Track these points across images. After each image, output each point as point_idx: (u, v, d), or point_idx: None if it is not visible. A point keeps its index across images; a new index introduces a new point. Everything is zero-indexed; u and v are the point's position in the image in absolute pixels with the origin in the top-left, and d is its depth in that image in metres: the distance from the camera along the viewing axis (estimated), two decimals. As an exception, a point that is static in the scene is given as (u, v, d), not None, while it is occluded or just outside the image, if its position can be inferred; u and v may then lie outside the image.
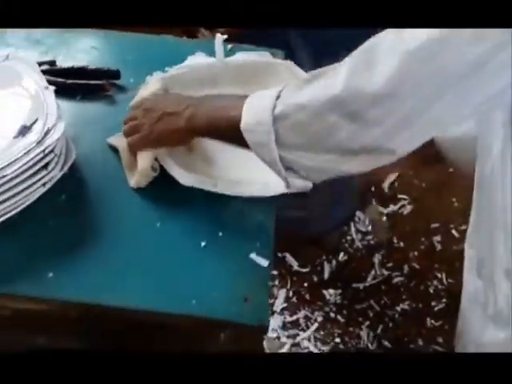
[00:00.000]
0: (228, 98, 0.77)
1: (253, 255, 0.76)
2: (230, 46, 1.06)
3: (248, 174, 0.84)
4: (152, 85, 0.91)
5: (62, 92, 0.91)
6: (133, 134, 0.83)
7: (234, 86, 0.96)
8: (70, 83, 0.96)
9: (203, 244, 0.78)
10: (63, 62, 1.02)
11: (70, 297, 0.72)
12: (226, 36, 0.99)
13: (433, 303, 1.74)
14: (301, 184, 0.70)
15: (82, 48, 1.07)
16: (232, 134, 0.71)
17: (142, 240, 0.79)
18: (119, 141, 0.87)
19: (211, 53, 1.02)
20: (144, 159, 0.82)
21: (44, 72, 0.88)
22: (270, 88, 0.69)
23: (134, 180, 0.83)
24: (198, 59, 1.01)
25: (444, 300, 1.75)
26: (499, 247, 0.69)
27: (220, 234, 0.79)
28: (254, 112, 0.67)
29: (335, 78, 0.61)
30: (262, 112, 0.66)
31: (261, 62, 1.01)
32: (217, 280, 0.75)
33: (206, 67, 0.99)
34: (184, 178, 0.82)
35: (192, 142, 0.86)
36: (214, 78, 0.98)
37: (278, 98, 0.66)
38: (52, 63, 1.01)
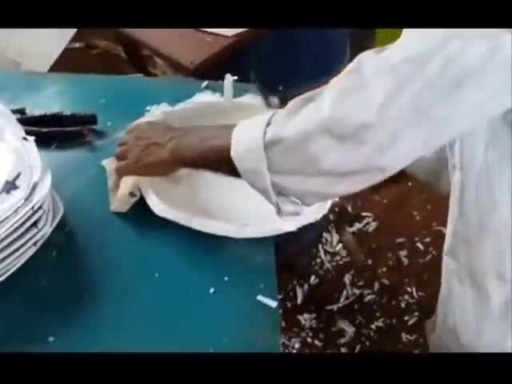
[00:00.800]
0: (214, 128, 0.76)
1: (260, 297, 0.75)
2: (204, 84, 1.05)
3: (227, 213, 0.85)
4: (153, 115, 0.93)
5: (36, 141, 0.87)
6: (122, 159, 0.85)
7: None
8: (46, 131, 0.93)
9: (211, 290, 0.77)
10: (33, 110, 0.99)
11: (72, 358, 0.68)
12: (235, 77, 0.99)
13: (406, 318, 1.77)
14: (291, 209, 0.70)
15: (51, 93, 1.04)
16: (220, 163, 0.71)
17: (142, 292, 0.76)
18: (111, 163, 0.89)
19: (180, 91, 1.02)
20: (125, 185, 0.83)
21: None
22: None
23: (114, 205, 0.85)
24: (205, 97, 1.01)
25: (416, 313, 1.78)
26: (487, 253, 0.72)
27: (225, 278, 0.78)
28: (245, 139, 0.68)
29: (323, 103, 0.61)
30: (253, 139, 0.66)
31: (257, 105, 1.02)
32: (226, 325, 0.73)
33: (208, 105, 1.00)
34: (158, 208, 0.82)
35: (177, 174, 0.85)
36: (214, 115, 0.96)
37: (268, 124, 0.66)
38: (22, 111, 0.97)
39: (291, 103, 0.66)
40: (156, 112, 0.96)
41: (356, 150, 0.60)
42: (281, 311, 1.72)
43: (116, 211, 0.84)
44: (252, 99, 1.02)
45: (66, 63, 1.53)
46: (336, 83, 0.62)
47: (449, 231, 0.78)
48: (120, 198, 0.84)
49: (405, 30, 0.60)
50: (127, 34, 1.36)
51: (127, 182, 0.84)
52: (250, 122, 0.69)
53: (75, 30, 1.37)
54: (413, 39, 0.59)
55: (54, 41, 1.37)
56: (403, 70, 0.57)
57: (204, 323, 0.73)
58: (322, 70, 1.61)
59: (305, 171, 0.64)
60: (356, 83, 0.59)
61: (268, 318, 0.74)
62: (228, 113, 0.99)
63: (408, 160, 0.62)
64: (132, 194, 0.84)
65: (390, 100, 0.57)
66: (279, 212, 0.70)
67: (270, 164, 0.65)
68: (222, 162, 0.71)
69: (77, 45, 2.25)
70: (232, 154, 0.68)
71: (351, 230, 1.99)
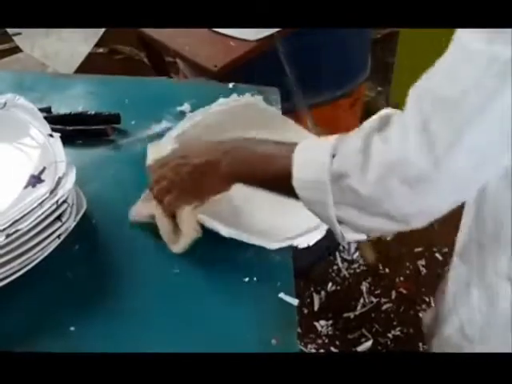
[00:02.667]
0: (270, 144, 0.73)
1: (281, 295, 0.76)
2: (231, 85, 1.06)
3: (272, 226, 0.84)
4: (166, 145, 0.89)
5: (61, 139, 0.89)
6: (166, 196, 0.79)
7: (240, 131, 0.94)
8: (71, 130, 0.95)
9: (223, 287, 0.77)
10: (58, 109, 1.01)
11: (93, 350, 0.69)
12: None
13: (425, 341, 1.75)
14: (354, 237, 0.68)
15: (77, 93, 1.06)
16: (279, 185, 0.70)
17: (162, 286, 0.77)
18: (147, 208, 0.83)
19: (202, 93, 1.03)
20: (188, 220, 0.78)
21: (42, 119, 0.86)
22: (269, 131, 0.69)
23: (179, 245, 0.79)
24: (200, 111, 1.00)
25: (433, 324, 1.76)
26: (501, 260, 0.71)
27: (243, 277, 0.78)
28: (308, 169, 0.65)
29: (391, 140, 0.59)
30: (317, 170, 0.64)
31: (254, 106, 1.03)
32: (244, 323, 0.73)
33: (211, 115, 0.99)
34: (224, 230, 0.80)
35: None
36: (220, 123, 0.97)
37: (333, 155, 0.64)
38: (48, 110, 0.99)
39: (358, 132, 0.64)
40: (164, 141, 0.93)
41: (420, 195, 0.59)
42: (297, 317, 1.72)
43: (182, 251, 0.79)
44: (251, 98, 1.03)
45: (89, 68, 1.56)
46: (401, 119, 0.60)
47: (462, 234, 0.78)
48: (189, 235, 0.78)
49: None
50: (151, 38, 1.38)
51: (188, 217, 0.78)
52: (313, 148, 0.67)
53: (100, 34, 1.39)
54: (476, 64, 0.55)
55: (78, 45, 1.39)
56: (468, 104, 0.54)
57: (221, 321, 0.73)
58: (342, 77, 1.63)
59: (367, 209, 0.63)
60: (418, 123, 0.57)
61: (285, 317, 0.74)
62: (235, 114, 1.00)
63: (463, 199, 0.63)
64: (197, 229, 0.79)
65: (455, 144, 0.55)
66: (343, 239, 0.69)
67: (334, 197, 0.64)
68: (281, 185, 0.69)
69: (100, 50, 2.29)
70: (294, 182, 0.66)
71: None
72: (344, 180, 0.62)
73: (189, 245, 0.79)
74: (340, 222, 0.66)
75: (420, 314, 1.78)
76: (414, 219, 0.61)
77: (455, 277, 0.80)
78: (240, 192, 0.79)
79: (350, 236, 0.67)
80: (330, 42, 1.47)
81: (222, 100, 1.01)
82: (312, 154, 0.66)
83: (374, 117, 0.65)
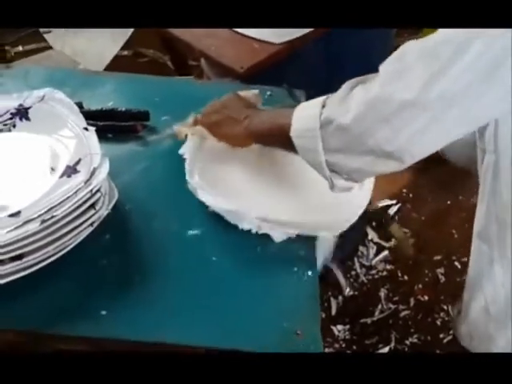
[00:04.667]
0: (281, 110, 0.86)
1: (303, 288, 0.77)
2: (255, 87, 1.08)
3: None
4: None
5: (94, 133, 0.91)
6: (208, 116, 0.95)
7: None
8: (101, 125, 0.97)
9: (249, 281, 0.79)
10: (89, 104, 1.03)
11: (124, 335, 0.71)
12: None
13: (441, 335, 1.75)
14: (344, 185, 0.75)
15: (107, 90, 1.08)
16: (282, 139, 0.78)
17: (190, 276, 0.79)
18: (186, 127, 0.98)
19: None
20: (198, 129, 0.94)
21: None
22: None
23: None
24: None
25: (451, 332, 1.75)
26: None
27: (265, 270, 0.80)
28: (303, 119, 0.74)
29: (371, 85, 0.67)
30: (310, 119, 0.73)
31: None
32: (268, 316, 0.75)
33: None
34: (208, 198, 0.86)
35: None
36: None
37: (323, 106, 0.72)
38: (80, 105, 1.02)
39: (344, 85, 0.72)
40: None
41: (399, 130, 0.65)
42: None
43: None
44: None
45: (114, 70, 1.58)
46: (383, 68, 0.67)
47: (480, 213, 0.81)
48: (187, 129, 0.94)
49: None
50: (177, 39, 1.40)
51: (199, 129, 0.94)
52: (309, 104, 0.75)
53: (128, 36, 1.41)
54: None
55: (106, 46, 1.42)
56: (444, 52, 0.61)
57: (246, 313, 0.75)
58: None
59: (354, 149, 0.70)
60: (400, 66, 0.65)
61: (309, 310, 0.76)
62: None
63: (444, 142, 0.67)
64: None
65: (431, 82, 0.62)
66: (332, 187, 0.75)
67: (324, 142, 0.71)
68: (283, 139, 0.77)
69: (125, 52, 2.32)
70: (291, 132, 0.75)
71: (387, 245, 1.99)
72: (330, 124, 0.70)
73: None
74: (332, 170, 0.73)
75: (438, 322, 1.78)
76: (396, 156, 0.67)
77: (476, 257, 0.83)
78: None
79: (341, 183, 0.74)
80: (354, 46, 1.48)
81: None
82: (307, 107, 0.75)
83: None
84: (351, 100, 0.69)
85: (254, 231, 0.82)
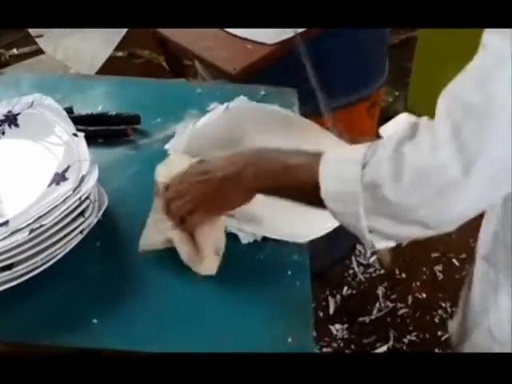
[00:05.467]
0: (294, 154, 0.72)
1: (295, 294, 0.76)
2: (249, 87, 1.07)
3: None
4: (179, 159, 0.85)
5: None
6: (188, 215, 0.77)
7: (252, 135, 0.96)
8: (92, 130, 0.96)
9: (242, 287, 0.78)
10: (80, 109, 1.03)
11: (116, 344, 0.70)
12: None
13: (439, 333, 1.75)
14: (384, 245, 0.67)
15: (98, 94, 1.08)
16: (305, 197, 0.70)
17: (180, 283, 0.78)
18: (160, 233, 0.80)
19: (220, 95, 1.04)
20: (210, 242, 0.77)
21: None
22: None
23: (206, 266, 0.78)
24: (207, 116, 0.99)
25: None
26: None
27: (258, 275, 0.79)
28: (337, 180, 0.65)
29: (424, 146, 0.60)
30: (348, 181, 0.64)
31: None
32: (260, 322, 0.74)
33: (217, 121, 0.98)
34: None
35: None
36: (230, 129, 0.96)
37: (364, 166, 0.63)
38: (70, 110, 1.01)
39: (387, 141, 0.64)
40: (175, 156, 0.90)
41: (453, 204, 0.60)
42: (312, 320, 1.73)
43: (210, 273, 0.78)
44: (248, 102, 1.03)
45: (109, 71, 1.58)
46: (433, 127, 0.60)
47: (486, 235, 0.78)
48: (210, 260, 0.77)
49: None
50: (170, 41, 1.40)
51: (209, 238, 0.77)
52: (342, 160, 0.66)
53: (121, 36, 1.41)
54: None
55: (100, 47, 1.42)
56: (495, 113, 0.56)
57: (238, 320, 0.74)
58: (360, 82, 1.64)
59: (400, 218, 0.63)
60: (449, 132, 0.58)
61: (301, 316, 0.75)
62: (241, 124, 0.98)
63: (493, 203, 0.65)
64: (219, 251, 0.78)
65: (484, 152, 0.56)
66: (373, 248, 0.69)
67: (366, 207, 0.63)
68: (307, 196, 0.69)
69: (119, 53, 2.31)
70: (323, 194, 0.66)
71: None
72: (377, 190, 0.62)
73: (217, 265, 0.77)
74: (370, 231, 0.65)
75: (436, 320, 1.78)
76: (447, 225, 0.62)
77: (482, 280, 0.80)
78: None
79: (380, 244, 0.67)
80: (348, 46, 1.48)
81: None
82: (341, 164, 0.66)
83: (402, 126, 0.64)
84: (401, 165, 0.60)
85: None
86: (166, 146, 0.94)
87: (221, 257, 0.78)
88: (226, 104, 0.99)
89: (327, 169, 0.66)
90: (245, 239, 0.83)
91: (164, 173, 0.83)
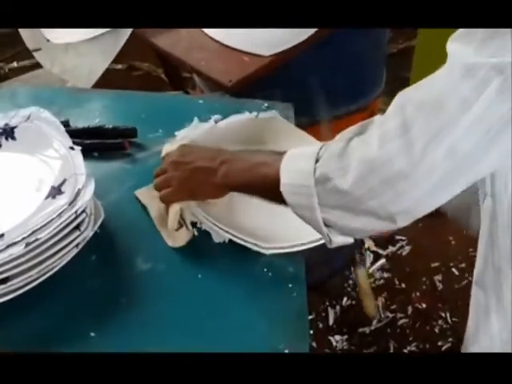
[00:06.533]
0: (262, 154, 0.78)
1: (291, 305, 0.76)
2: (246, 101, 1.08)
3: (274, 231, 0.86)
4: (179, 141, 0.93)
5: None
6: (164, 187, 0.84)
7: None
8: (88, 143, 0.97)
9: (238, 299, 0.78)
10: (76, 122, 1.03)
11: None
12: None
13: (439, 343, 1.74)
14: (341, 240, 0.70)
15: (94, 107, 1.08)
16: (268, 192, 0.73)
17: (176, 296, 0.79)
18: (146, 196, 0.88)
19: (217, 108, 1.06)
20: (174, 216, 0.83)
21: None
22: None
23: (170, 241, 0.84)
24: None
25: (450, 339, 1.75)
26: None
27: (254, 288, 0.80)
28: (293, 174, 0.69)
29: (371, 142, 0.62)
30: (302, 174, 0.67)
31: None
32: (255, 334, 0.75)
33: (226, 125, 1.01)
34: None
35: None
36: (233, 135, 0.99)
37: (317, 160, 0.67)
38: (66, 124, 1.02)
39: (340, 136, 0.67)
40: (180, 136, 0.98)
41: (403, 193, 0.61)
42: (312, 331, 1.72)
43: (176, 246, 0.84)
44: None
45: (107, 84, 1.58)
46: (382, 123, 0.62)
47: (479, 260, 0.78)
48: (172, 232, 0.84)
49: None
50: (167, 53, 1.40)
51: (175, 212, 0.83)
52: (299, 155, 0.70)
53: (118, 49, 1.41)
54: (454, 72, 0.58)
55: (96, 60, 1.42)
56: (447, 108, 0.57)
57: (233, 331, 0.75)
58: (357, 92, 1.64)
59: (352, 209, 0.65)
60: (399, 122, 0.60)
61: (297, 328, 0.75)
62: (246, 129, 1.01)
63: (449, 198, 0.63)
64: (182, 223, 0.84)
65: (434, 143, 0.58)
66: (330, 243, 0.70)
67: (320, 199, 0.66)
68: (270, 191, 0.72)
69: (119, 66, 2.33)
70: (281, 187, 0.70)
71: (384, 252, 1.98)
72: (327, 183, 0.65)
73: (182, 242, 0.83)
74: (327, 225, 0.68)
75: (436, 330, 1.77)
76: (399, 217, 0.63)
77: (475, 304, 0.80)
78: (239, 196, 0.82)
79: (338, 239, 0.69)
80: (345, 56, 1.48)
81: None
82: (298, 160, 0.70)
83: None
84: (349, 159, 0.63)
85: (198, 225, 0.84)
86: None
87: (184, 235, 0.84)
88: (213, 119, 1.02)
89: (286, 164, 0.70)
90: (217, 238, 0.84)
91: (168, 148, 0.91)
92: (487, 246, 0.75)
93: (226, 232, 0.83)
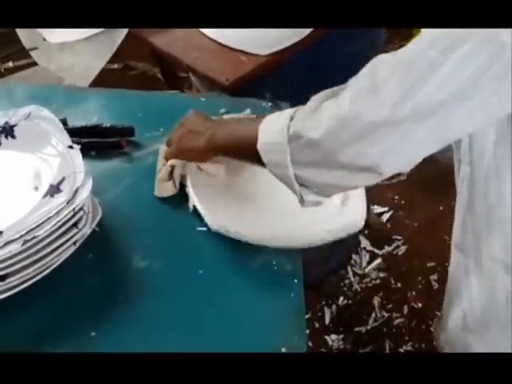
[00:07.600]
0: (245, 119, 0.87)
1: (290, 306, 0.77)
2: (243, 99, 1.08)
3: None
4: None
5: (78, 150, 0.91)
6: (169, 145, 0.93)
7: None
8: (86, 142, 0.96)
9: (235, 297, 0.79)
10: (74, 121, 1.03)
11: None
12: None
13: (435, 342, 1.74)
14: (313, 199, 0.73)
15: (92, 106, 1.08)
16: (248, 153, 0.76)
17: (173, 293, 0.79)
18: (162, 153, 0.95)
19: (214, 106, 1.06)
20: (165, 171, 0.90)
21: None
22: None
23: (156, 190, 0.91)
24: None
25: (445, 339, 1.75)
26: (495, 245, 0.74)
27: (251, 285, 0.80)
28: (270, 133, 0.72)
29: (342, 100, 0.65)
30: (277, 133, 0.70)
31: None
32: (252, 332, 0.75)
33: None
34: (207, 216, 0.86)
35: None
36: None
37: (291, 119, 0.70)
38: (64, 122, 1.01)
39: (313, 98, 0.70)
40: None
41: (371, 146, 0.64)
42: (308, 331, 1.72)
43: (157, 195, 0.90)
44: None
45: (103, 83, 1.58)
46: (354, 83, 0.66)
47: (457, 224, 0.81)
48: (160, 183, 0.90)
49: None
50: (164, 53, 1.40)
51: (167, 166, 0.90)
52: (276, 116, 0.74)
53: (114, 49, 1.41)
54: (425, 40, 0.62)
55: (92, 60, 1.42)
56: (417, 68, 0.60)
57: (231, 330, 0.75)
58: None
59: (325, 164, 0.68)
60: (371, 82, 0.63)
61: (295, 326, 0.75)
62: None
63: (419, 157, 0.66)
64: (169, 178, 0.90)
65: (405, 98, 0.60)
66: (302, 201, 0.73)
67: (293, 157, 0.69)
68: (249, 152, 0.75)
69: (115, 66, 2.33)
70: (258, 146, 0.73)
71: (380, 252, 1.99)
72: (300, 139, 0.68)
73: (164, 193, 0.90)
74: (301, 184, 0.71)
75: (432, 329, 1.77)
76: (370, 172, 0.66)
77: (454, 267, 0.82)
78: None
79: (310, 197, 0.72)
80: (341, 56, 1.49)
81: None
82: (275, 121, 0.73)
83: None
84: (321, 114, 0.67)
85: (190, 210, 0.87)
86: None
87: (169, 188, 0.90)
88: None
89: (264, 124, 0.74)
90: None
91: None
92: (465, 212, 0.78)
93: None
